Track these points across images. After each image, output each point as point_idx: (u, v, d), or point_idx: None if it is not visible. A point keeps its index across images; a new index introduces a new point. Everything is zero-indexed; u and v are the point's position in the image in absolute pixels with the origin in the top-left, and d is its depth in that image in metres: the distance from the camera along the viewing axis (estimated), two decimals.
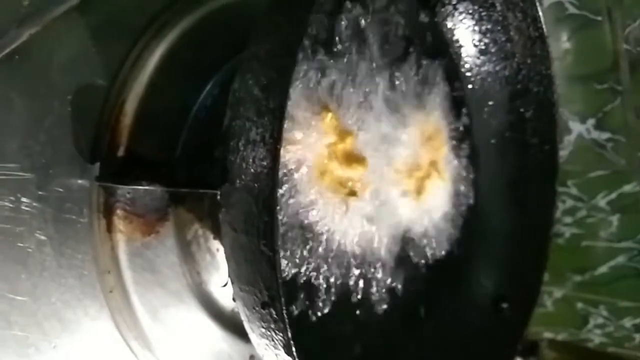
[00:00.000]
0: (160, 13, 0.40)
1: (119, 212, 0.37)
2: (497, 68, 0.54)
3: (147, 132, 0.39)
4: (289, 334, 0.28)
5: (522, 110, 0.54)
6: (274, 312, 0.28)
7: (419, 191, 0.48)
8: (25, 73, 0.33)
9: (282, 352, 0.29)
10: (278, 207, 0.26)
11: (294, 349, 0.28)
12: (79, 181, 0.36)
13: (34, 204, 0.34)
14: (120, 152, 0.37)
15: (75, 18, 0.35)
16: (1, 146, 0.33)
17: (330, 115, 0.37)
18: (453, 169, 0.52)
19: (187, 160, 0.41)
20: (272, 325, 0.28)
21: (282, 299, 0.27)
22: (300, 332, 0.28)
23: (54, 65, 0.35)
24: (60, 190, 0.35)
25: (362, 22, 0.42)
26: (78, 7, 0.35)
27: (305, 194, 0.38)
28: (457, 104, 0.53)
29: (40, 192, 0.34)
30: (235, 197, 0.29)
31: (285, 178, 0.36)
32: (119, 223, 0.37)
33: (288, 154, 0.36)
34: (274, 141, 0.26)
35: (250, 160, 0.27)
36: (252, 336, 0.32)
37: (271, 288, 0.27)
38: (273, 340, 0.29)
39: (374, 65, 0.44)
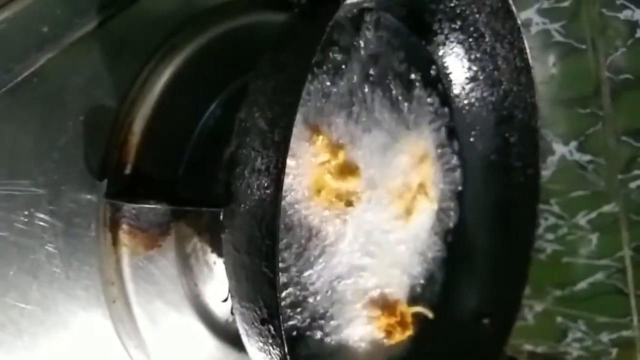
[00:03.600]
0: (167, 38, 0.42)
1: (124, 226, 0.39)
2: (485, 94, 0.56)
3: (153, 151, 0.41)
4: (285, 350, 0.30)
5: (507, 135, 0.57)
6: (272, 329, 0.30)
7: (408, 212, 0.51)
8: (42, 94, 0.35)
9: None
10: (279, 231, 0.29)
11: None
12: (88, 197, 0.38)
13: (46, 218, 0.36)
14: (128, 170, 0.39)
15: (89, 43, 0.38)
16: (17, 164, 0.35)
17: (321, 137, 0.40)
18: (440, 190, 0.55)
19: (189, 178, 0.43)
20: (270, 341, 0.31)
21: (280, 317, 0.29)
22: (296, 347, 0.30)
23: (69, 87, 0.37)
24: (71, 205, 0.37)
25: (359, 51, 0.45)
26: (92, 32, 0.37)
27: (305, 212, 0.41)
28: (445, 128, 0.56)
29: (51, 207, 0.36)
30: (239, 220, 0.31)
31: (284, 201, 0.38)
32: (123, 237, 0.39)
33: (286, 178, 0.38)
34: (278, 172, 0.29)
35: (255, 187, 0.30)
36: (250, 349, 0.34)
37: (270, 306, 0.30)
38: (270, 354, 0.31)
39: (366, 88, 0.46)
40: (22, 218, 0.35)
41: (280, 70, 0.31)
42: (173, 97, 0.42)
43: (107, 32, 0.38)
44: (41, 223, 0.36)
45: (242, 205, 0.31)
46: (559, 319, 0.90)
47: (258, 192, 0.30)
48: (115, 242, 0.39)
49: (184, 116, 0.43)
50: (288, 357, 0.30)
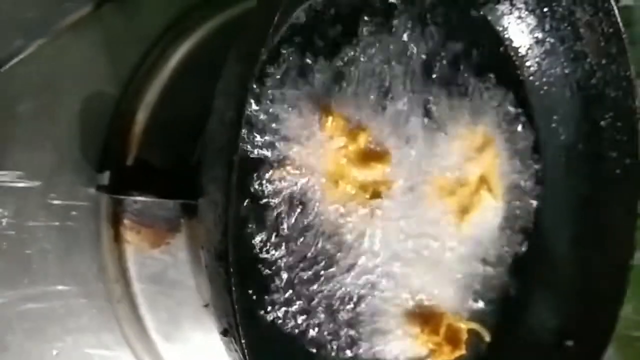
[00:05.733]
0: (177, 20, 0.39)
1: (126, 222, 0.37)
2: (567, 71, 0.47)
3: (160, 142, 0.38)
4: None
5: (597, 118, 0.47)
6: (233, 340, 0.25)
7: (464, 210, 0.43)
8: (32, 82, 0.34)
9: None
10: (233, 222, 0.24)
11: None
12: (87, 189, 0.36)
13: (39, 211, 0.34)
14: (130, 161, 0.37)
15: (87, 27, 0.36)
16: (6, 154, 0.33)
17: (331, 119, 0.34)
18: (510, 186, 0.46)
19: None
20: (235, 355, 0.26)
21: (240, 328, 0.24)
22: None
23: (62, 74, 0.35)
24: (67, 198, 0.35)
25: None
26: (89, 16, 0.36)
27: (319, 207, 0.35)
28: (516, 113, 0.47)
29: (45, 200, 0.35)
30: (200, 212, 0.27)
31: (291, 197, 0.33)
32: (125, 233, 0.37)
33: (290, 174, 0.33)
34: (231, 149, 0.24)
35: (211, 171, 0.25)
36: None
37: (229, 314, 0.25)
38: None
39: (406, 61, 0.40)
40: (12, 212, 0.33)
41: (243, 37, 0.27)
42: (183, 84, 0.39)
43: (107, 15, 0.36)
44: (34, 217, 0.34)
45: (204, 195, 0.26)
46: None
47: (214, 177, 0.25)
48: (117, 238, 0.37)
49: (195, 105, 0.39)
50: None
